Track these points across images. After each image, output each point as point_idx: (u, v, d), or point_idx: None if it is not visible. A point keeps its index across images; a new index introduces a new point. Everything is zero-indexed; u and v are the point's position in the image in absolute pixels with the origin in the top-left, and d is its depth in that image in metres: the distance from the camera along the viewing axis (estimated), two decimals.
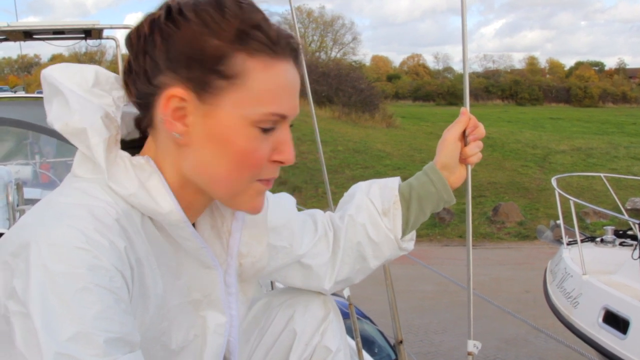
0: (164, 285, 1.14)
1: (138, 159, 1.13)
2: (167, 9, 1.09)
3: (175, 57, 1.07)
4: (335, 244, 1.61)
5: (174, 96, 1.08)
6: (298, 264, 1.56)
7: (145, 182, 1.11)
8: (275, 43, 1.10)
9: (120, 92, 1.18)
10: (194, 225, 1.24)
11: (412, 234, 1.65)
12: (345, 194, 1.71)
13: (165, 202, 1.11)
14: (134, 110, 1.20)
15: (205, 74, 1.07)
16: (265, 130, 1.11)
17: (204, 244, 1.21)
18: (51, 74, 1.15)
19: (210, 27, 1.07)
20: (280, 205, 1.52)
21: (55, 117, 1.12)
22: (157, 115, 1.11)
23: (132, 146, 1.19)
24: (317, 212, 1.66)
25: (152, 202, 1.10)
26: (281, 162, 1.15)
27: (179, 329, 1.21)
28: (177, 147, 1.12)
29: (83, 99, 1.12)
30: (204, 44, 1.06)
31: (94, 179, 1.10)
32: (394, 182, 1.64)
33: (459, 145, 1.58)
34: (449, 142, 1.58)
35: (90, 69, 1.17)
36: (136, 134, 1.25)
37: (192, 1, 1.09)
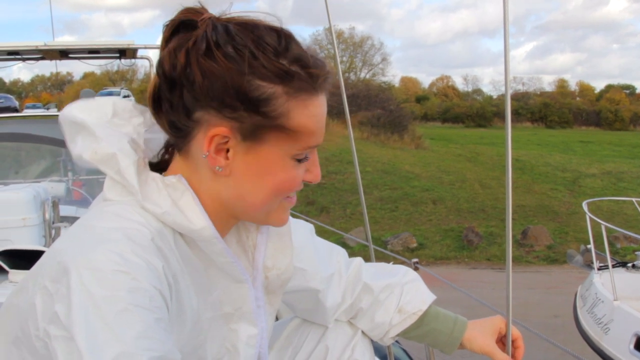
0: (198, 301, 1.17)
1: (170, 178, 1.15)
2: (207, 43, 1.08)
3: (217, 96, 1.07)
4: (346, 292, 1.66)
5: (217, 135, 1.09)
6: (313, 296, 1.58)
7: (177, 201, 1.13)
8: (315, 80, 1.11)
9: (139, 119, 1.21)
10: None
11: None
12: (392, 265, 1.79)
13: (198, 219, 1.13)
14: (155, 136, 1.23)
15: (250, 114, 1.08)
16: (301, 160, 1.16)
17: (235, 258, 1.23)
18: (71, 113, 1.17)
19: (253, 66, 1.07)
20: (298, 229, 1.52)
21: (82, 148, 1.15)
22: (194, 145, 1.13)
23: (158, 168, 1.21)
24: (339, 252, 1.70)
25: (184, 219, 1.12)
26: (309, 182, 1.19)
27: (213, 342, 1.23)
28: (215, 176, 1.15)
29: (107, 128, 1.16)
30: (247, 85, 1.07)
31: (126, 201, 1.12)
32: (430, 297, 1.69)
33: (495, 347, 1.65)
34: (489, 345, 1.65)
35: (108, 102, 1.20)
36: (156, 157, 1.27)
37: (229, 35, 1.08)
